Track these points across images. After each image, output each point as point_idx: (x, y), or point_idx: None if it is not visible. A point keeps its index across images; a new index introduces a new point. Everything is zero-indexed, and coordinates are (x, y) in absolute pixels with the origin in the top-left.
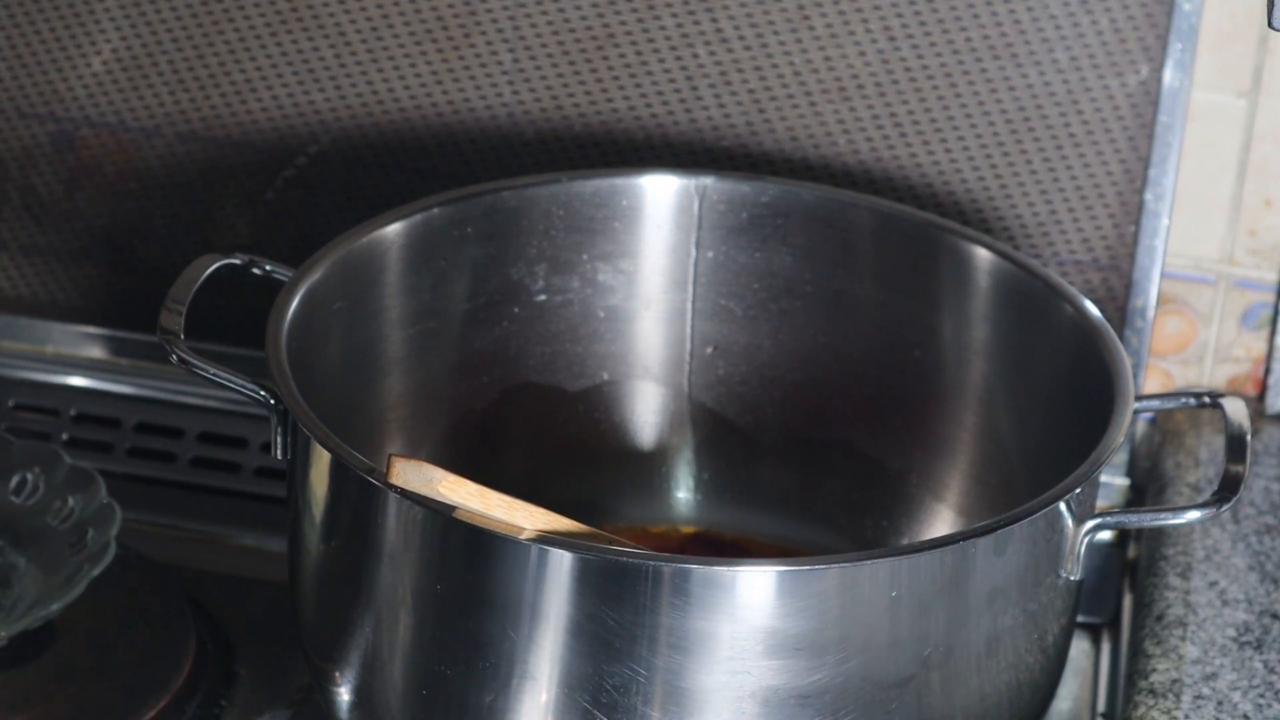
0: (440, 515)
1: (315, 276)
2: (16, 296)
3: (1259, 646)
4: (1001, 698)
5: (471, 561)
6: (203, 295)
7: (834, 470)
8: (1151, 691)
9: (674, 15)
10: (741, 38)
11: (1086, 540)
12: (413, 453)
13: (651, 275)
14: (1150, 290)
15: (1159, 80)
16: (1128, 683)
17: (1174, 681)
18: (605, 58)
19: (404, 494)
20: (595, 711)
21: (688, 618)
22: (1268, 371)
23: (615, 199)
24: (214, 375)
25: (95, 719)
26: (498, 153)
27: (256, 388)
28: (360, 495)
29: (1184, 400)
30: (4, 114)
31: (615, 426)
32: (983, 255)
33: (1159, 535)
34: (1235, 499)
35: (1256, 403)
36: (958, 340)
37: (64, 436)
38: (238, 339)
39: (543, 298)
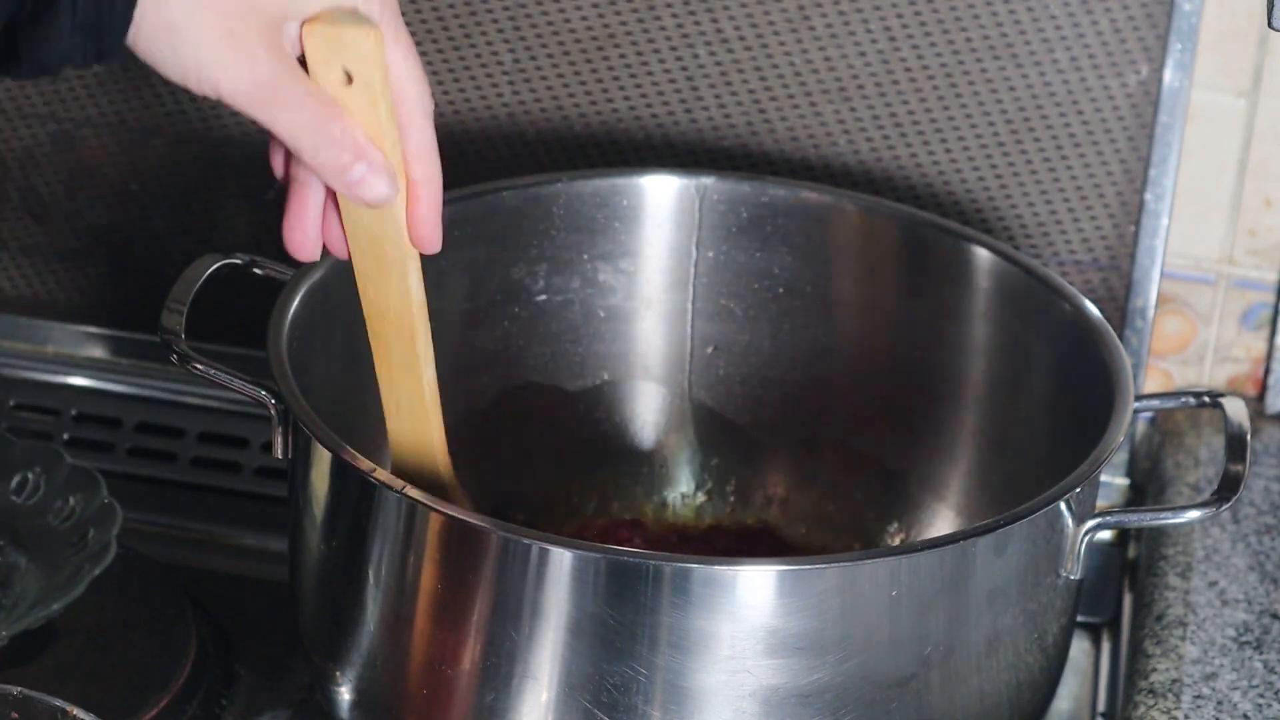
0: (437, 514)
1: (315, 276)
2: (16, 296)
3: (1259, 646)
4: (1001, 697)
5: (471, 561)
6: (203, 295)
7: (834, 470)
8: (1151, 691)
9: (674, 15)
10: (741, 38)
11: (1086, 540)
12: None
13: (652, 275)
14: (1150, 290)
15: (1159, 80)
16: (1128, 683)
17: (1174, 681)
18: (605, 58)
19: (404, 494)
20: (596, 711)
21: (688, 617)
22: (1268, 371)
23: (615, 199)
24: (215, 375)
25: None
26: (498, 153)
27: (257, 388)
28: (361, 495)
29: (1184, 400)
30: (4, 114)
31: (615, 426)
32: (983, 255)
33: (1159, 535)
34: (1235, 499)
35: (1256, 403)
36: (958, 340)
37: (64, 436)
38: (238, 339)
39: (543, 298)
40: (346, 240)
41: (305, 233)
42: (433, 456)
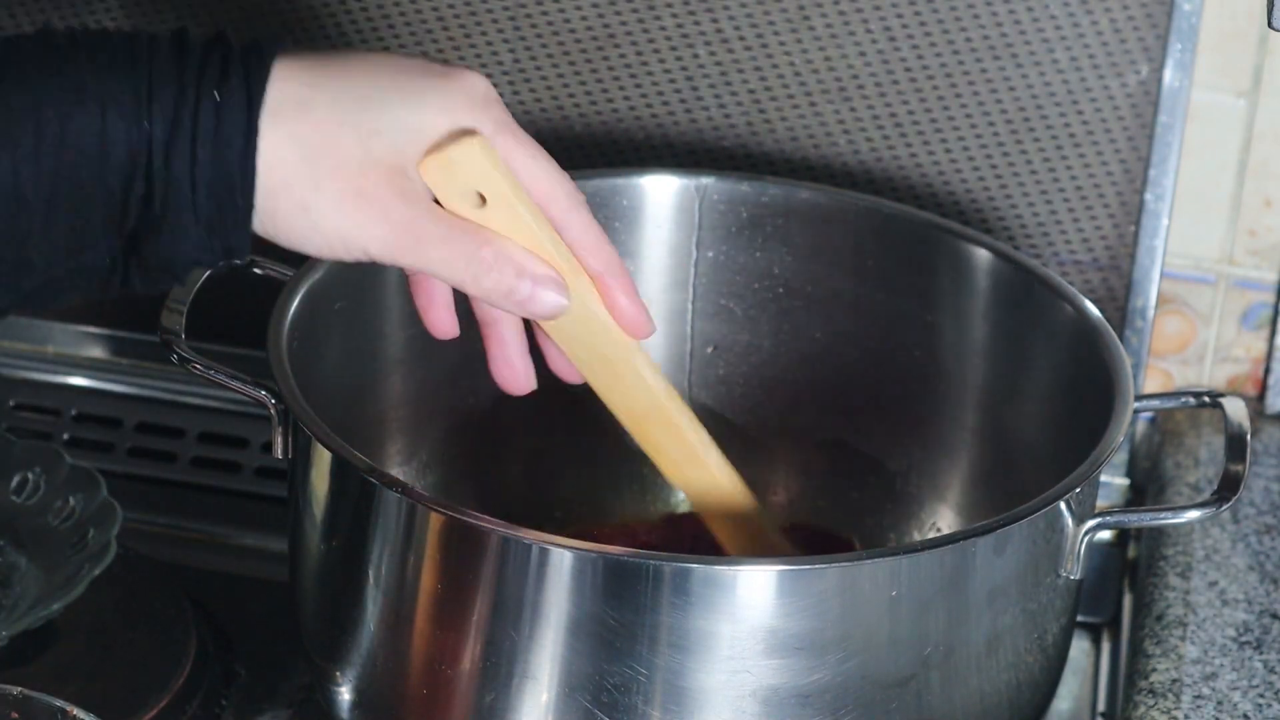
0: (437, 514)
1: (315, 276)
2: None
3: (1259, 646)
4: (1001, 697)
5: (471, 561)
6: (203, 295)
7: (834, 470)
8: (1151, 691)
9: (674, 15)
10: (741, 38)
11: (1086, 540)
12: (413, 453)
13: (651, 275)
14: (1150, 290)
15: (1159, 80)
16: (1128, 683)
17: (1174, 681)
18: (605, 58)
19: (404, 494)
20: (596, 711)
21: (688, 617)
22: (1268, 371)
23: (615, 199)
24: (215, 375)
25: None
26: None
27: (257, 388)
28: (361, 495)
29: (1184, 400)
30: None
31: (615, 426)
32: (983, 255)
33: (1159, 535)
34: (1235, 499)
35: (1256, 403)
36: (958, 340)
37: (65, 436)
38: (238, 339)
39: None
40: (570, 359)
41: (514, 367)
42: (757, 524)
